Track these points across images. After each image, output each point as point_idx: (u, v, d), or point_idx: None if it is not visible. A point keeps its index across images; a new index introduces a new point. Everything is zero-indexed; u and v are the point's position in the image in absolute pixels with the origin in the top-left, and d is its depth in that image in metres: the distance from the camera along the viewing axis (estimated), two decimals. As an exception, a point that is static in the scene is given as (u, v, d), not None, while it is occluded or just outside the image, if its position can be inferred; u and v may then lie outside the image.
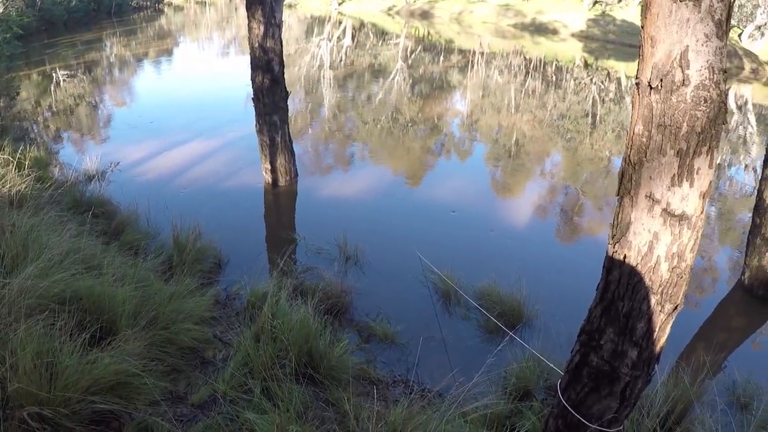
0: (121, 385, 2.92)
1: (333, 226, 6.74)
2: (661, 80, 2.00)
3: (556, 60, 22.73)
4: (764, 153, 6.04)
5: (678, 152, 2.04)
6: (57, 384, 2.66)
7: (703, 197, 2.14)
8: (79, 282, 3.67)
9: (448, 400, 3.46)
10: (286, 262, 5.71)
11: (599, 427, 2.61)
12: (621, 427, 2.67)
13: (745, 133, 14.79)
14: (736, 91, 20.68)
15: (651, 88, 2.04)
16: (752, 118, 16.49)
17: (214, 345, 4.01)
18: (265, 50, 7.48)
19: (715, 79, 1.97)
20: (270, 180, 8.11)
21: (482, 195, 8.97)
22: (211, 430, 2.92)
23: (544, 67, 21.00)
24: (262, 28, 7.42)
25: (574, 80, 19.35)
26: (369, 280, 5.86)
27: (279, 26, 7.59)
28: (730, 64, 25.18)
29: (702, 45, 1.93)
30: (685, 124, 2.00)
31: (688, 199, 2.11)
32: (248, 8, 7.45)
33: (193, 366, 3.67)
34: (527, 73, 19.71)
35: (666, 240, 2.18)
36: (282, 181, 8.12)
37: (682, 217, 2.13)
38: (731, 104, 18.64)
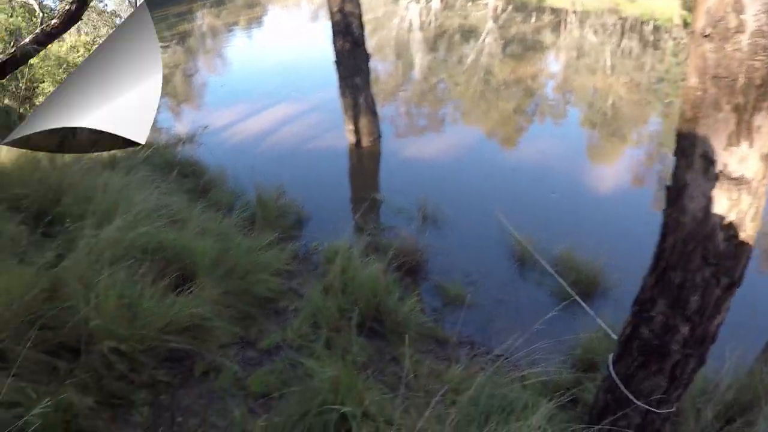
0: (195, 327, 3.08)
1: (415, 186, 6.73)
2: (714, 27, 1.82)
3: (653, 19, 21.44)
4: None
5: (735, 107, 1.85)
6: (135, 323, 2.82)
7: (767, 160, 1.94)
8: (163, 234, 3.81)
9: (509, 364, 3.44)
10: (366, 221, 5.78)
11: (647, 406, 2.47)
12: (672, 409, 2.51)
13: None
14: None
15: (704, 36, 1.86)
16: None
17: (288, 296, 4.12)
18: (344, 14, 7.53)
19: (775, 25, 1.77)
20: (353, 141, 8.20)
21: (572, 159, 8.64)
22: (273, 374, 3.03)
23: (640, 26, 19.89)
24: (340, -8, 7.46)
25: (673, 40, 18.22)
26: (446, 241, 5.84)
27: (358, -10, 7.62)
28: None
29: (759, -14, 1.74)
30: (741, 75, 1.81)
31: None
32: (326, -27, 7.50)
33: (266, 315, 3.80)
34: (622, 33, 18.74)
35: (722, 206, 1.98)
36: (365, 142, 8.18)
37: (740, 181, 1.93)
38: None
